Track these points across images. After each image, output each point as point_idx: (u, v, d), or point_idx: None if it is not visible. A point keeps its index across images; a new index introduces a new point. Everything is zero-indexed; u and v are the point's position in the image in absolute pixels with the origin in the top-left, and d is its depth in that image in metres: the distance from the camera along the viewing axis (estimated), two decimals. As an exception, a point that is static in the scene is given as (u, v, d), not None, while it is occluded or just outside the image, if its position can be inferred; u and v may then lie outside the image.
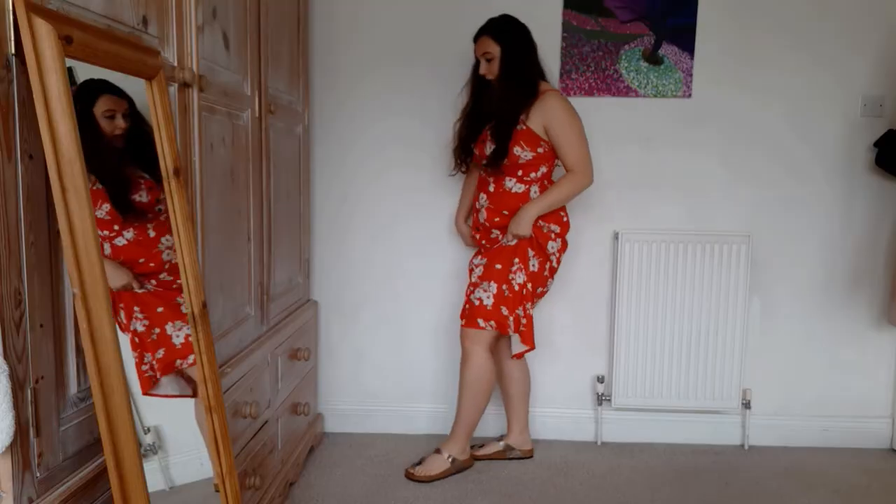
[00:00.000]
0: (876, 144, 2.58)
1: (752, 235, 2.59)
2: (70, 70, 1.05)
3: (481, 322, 2.30)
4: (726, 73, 2.60)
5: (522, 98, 2.29)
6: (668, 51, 2.59)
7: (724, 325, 2.60)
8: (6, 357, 0.98)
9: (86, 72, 1.12)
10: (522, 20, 2.43)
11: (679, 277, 2.59)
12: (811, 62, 2.59)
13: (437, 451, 2.43)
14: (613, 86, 2.62)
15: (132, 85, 1.27)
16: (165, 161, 1.33)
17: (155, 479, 1.31)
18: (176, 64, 1.46)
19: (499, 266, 2.31)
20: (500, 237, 2.37)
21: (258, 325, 2.05)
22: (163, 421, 1.38)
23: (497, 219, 2.37)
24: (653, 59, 2.60)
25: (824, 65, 2.59)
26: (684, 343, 2.62)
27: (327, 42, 2.66)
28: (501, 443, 2.55)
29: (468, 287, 2.42)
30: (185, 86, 1.49)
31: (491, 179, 2.37)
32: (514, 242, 2.32)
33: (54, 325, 1.10)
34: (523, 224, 2.29)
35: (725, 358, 2.62)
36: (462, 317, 2.40)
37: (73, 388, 1.16)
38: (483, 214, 2.40)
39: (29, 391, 1.03)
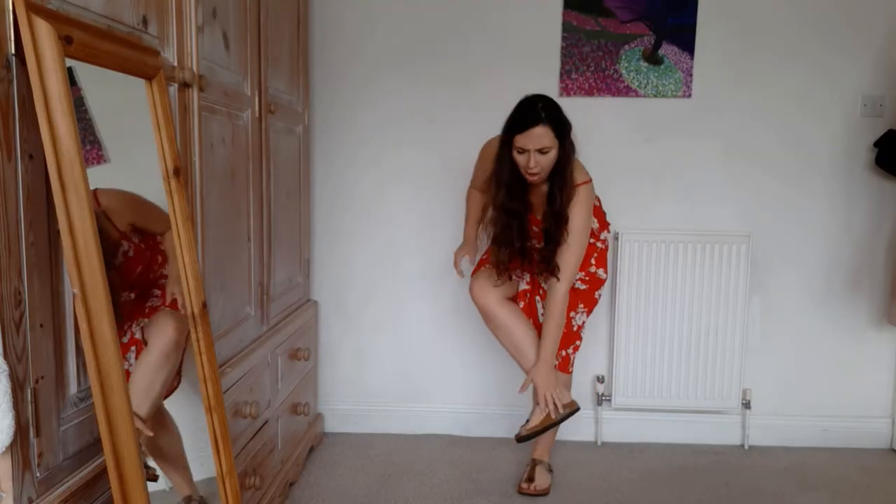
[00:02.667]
0: (876, 144, 2.58)
1: (752, 235, 2.59)
2: (70, 70, 1.05)
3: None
4: (726, 73, 2.60)
5: (568, 201, 2.12)
6: (668, 51, 2.59)
7: (724, 325, 2.60)
8: (6, 357, 0.98)
9: (86, 72, 1.12)
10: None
11: (679, 277, 2.59)
12: (811, 62, 2.59)
13: (546, 465, 2.38)
14: (613, 86, 2.62)
15: (131, 86, 1.27)
16: (165, 161, 1.33)
17: (155, 478, 1.32)
18: (176, 64, 1.46)
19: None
20: None
21: (258, 325, 2.05)
22: (163, 421, 1.38)
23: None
24: (653, 59, 2.60)
25: (824, 65, 2.59)
26: (684, 343, 2.62)
27: (327, 42, 2.66)
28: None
29: (531, 291, 2.30)
30: (185, 86, 1.49)
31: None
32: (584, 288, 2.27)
33: (54, 325, 1.10)
34: (549, 378, 2.17)
35: (725, 358, 2.62)
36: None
37: (73, 388, 1.16)
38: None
39: (29, 391, 1.03)
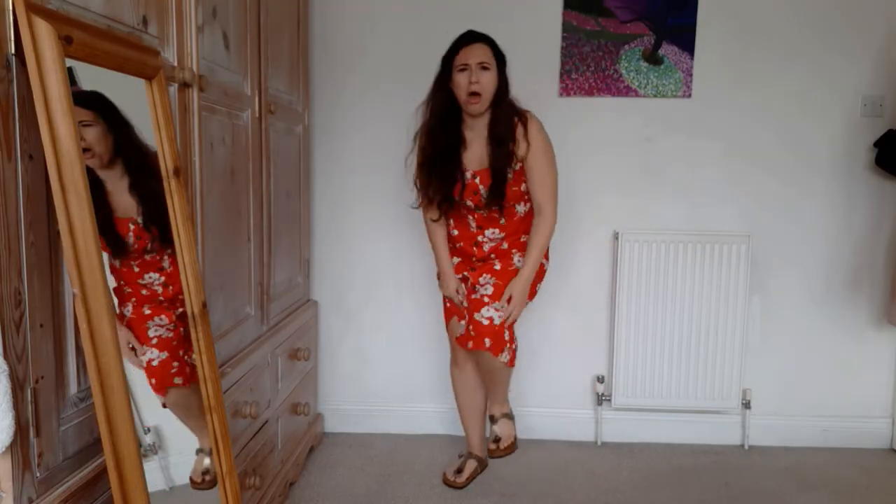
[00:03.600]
0: (876, 144, 2.58)
1: (752, 235, 2.59)
2: (70, 70, 1.05)
3: (487, 342, 2.18)
4: (726, 73, 2.60)
5: (513, 131, 2.13)
6: (668, 51, 2.59)
7: (724, 325, 2.60)
8: (6, 357, 0.98)
9: (86, 72, 1.12)
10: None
11: (679, 277, 2.59)
12: (811, 62, 2.59)
13: (507, 415, 2.38)
14: (613, 86, 2.62)
15: (131, 86, 1.27)
16: (165, 161, 1.33)
17: (155, 479, 1.31)
18: (176, 64, 1.46)
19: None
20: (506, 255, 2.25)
21: (258, 325, 2.05)
22: (163, 421, 1.38)
23: (505, 245, 2.25)
24: (653, 59, 2.60)
25: (824, 65, 2.59)
26: (684, 343, 2.62)
27: (327, 42, 2.66)
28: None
29: (469, 305, 2.24)
30: (185, 86, 1.49)
31: (498, 215, 2.20)
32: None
33: (54, 325, 1.10)
34: (525, 293, 2.21)
35: (725, 358, 2.62)
36: (467, 341, 2.21)
37: (73, 388, 1.16)
38: (491, 244, 2.24)
39: (29, 391, 1.03)
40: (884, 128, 2.59)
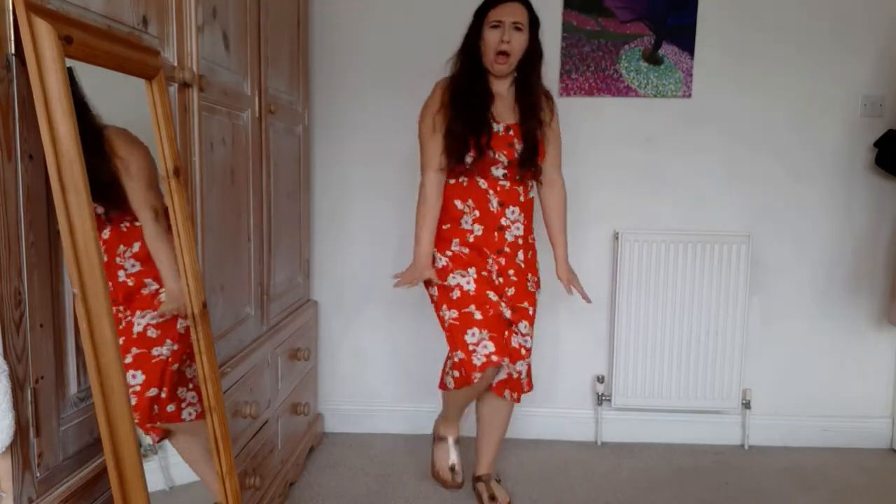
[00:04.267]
0: (876, 144, 2.58)
1: (752, 235, 2.59)
2: (70, 70, 1.05)
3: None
4: (726, 73, 2.61)
5: (539, 98, 2.10)
6: (668, 51, 2.59)
7: (724, 325, 2.60)
8: (6, 357, 0.98)
9: (86, 72, 1.12)
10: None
11: (679, 277, 2.59)
12: (811, 62, 2.59)
13: (497, 480, 2.28)
14: (613, 86, 2.62)
15: (132, 86, 1.27)
16: (165, 161, 1.33)
17: (155, 479, 1.31)
18: (176, 64, 1.46)
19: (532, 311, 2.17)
20: (523, 261, 2.12)
21: (258, 325, 2.05)
22: (163, 421, 1.38)
23: (531, 236, 2.16)
24: (653, 59, 2.60)
25: (824, 64, 2.59)
26: (684, 343, 2.62)
27: (327, 42, 2.66)
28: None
29: (507, 328, 2.07)
30: (185, 86, 1.49)
31: (520, 189, 2.09)
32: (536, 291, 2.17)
33: (54, 325, 1.10)
34: (570, 269, 2.19)
35: (725, 358, 2.62)
36: (514, 388, 2.11)
37: (73, 388, 1.16)
38: (513, 231, 2.08)
39: (29, 391, 1.03)
40: (884, 128, 2.59)
